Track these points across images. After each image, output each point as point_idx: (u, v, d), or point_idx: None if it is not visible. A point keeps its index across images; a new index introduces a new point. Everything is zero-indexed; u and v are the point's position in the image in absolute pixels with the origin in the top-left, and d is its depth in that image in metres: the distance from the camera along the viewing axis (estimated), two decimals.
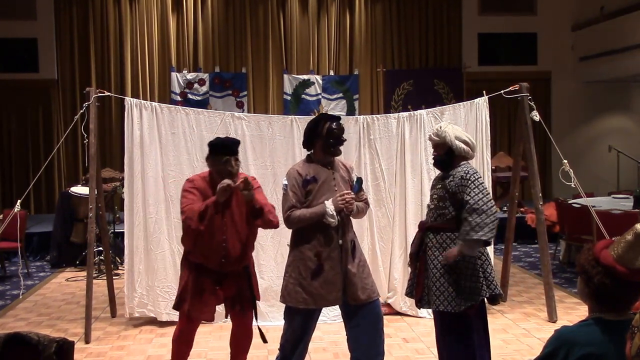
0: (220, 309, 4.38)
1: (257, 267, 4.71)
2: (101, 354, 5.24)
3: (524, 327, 5.78)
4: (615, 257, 2.30)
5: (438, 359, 4.16)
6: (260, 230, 4.37)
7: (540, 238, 6.09)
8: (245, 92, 12.26)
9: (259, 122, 6.14)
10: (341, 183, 4.06)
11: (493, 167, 8.25)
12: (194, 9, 12.30)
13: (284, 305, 4.07)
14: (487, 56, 12.92)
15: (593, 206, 6.78)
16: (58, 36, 12.07)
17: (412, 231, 4.54)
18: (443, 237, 3.92)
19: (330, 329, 5.63)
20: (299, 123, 6.01)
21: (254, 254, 4.43)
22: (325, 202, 3.93)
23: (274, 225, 4.17)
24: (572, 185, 5.90)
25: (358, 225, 5.43)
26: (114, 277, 6.59)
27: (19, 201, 5.90)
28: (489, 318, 4.23)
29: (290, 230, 4.10)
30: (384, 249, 6.20)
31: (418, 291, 4.02)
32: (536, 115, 5.95)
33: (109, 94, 6.46)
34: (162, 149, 5.98)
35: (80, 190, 8.45)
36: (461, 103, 6.49)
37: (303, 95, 12.29)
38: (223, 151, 4.08)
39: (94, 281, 6.15)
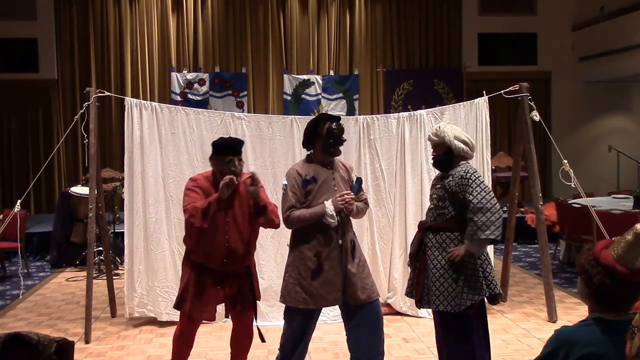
0: (220, 308, 4.38)
1: (257, 267, 4.71)
2: (101, 354, 5.24)
3: (524, 327, 5.78)
4: (615, 257, 2.30)
5: (438, 358, 4.16)
6: (260, 230, 4.37)
7: (540, 238, 6.08)
8: (245, 92, 12.26)
9: (259, 122, 6.14)
10: (341, 183, 4.06)
11: (493, 167, 8.24)
12: (194, 9, 12.30)
13: (284, 305, 4.08)
14: (487, 56, 12.92)
15: (593, 206, 6.78)
16: (58, 36, 12.07)
17: (412, 231, 4.54)
18: (443, 237, 3.92)
19: (330, 329, 5.62)
20: (299, 123, 6.01)
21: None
22: (325, 202, 3.93)
23: (275, 224, 4.18)
24: (572, 185, 5.90)
25: (358, 225, 5.43)
26: (114, 277, 6.59)
27: (19, 201, 5.90)
28: (489, 318, 4.23)
29: (290, 230, 4.10)
30: (384, 249, 6.20)
31: (418, 291, 4.02)
32: (536, 115, 5.95)
33: (109, 94, 6.46)
34: (162, 149, 5.98)
35: (80, 190, 8.45)
36: (461, 103, 6.49)
37: (303, 95, 12.29)
38: (226, 151, 4.09)
39: (94, 281, 6.15)
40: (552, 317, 5.90)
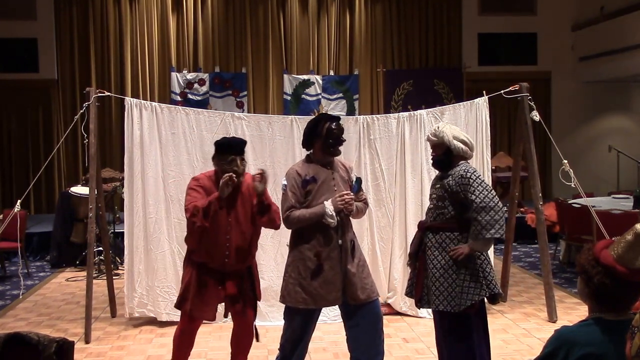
0: (220, 308, 4.38)
1: (258, 267, 4.71)
2: (101, 354, 5.24)
3: (524, 327, 5.78)
4: (615, 257, 2.30)
5: (438, 358, 4.16)
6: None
7: (540, 238, 6.08)
8: (245, 92, 12.26)
9: (259, 122, 6.14)
10: (340, 183, 4.06)
11: (493, 167, 8.25)
12: (194, 9, 12.30)
13: (283, 305, 4.08)
14: (487, 56, 12.91)
15: (593, 206, 6.78)
16: (58, 36, 12.07)
17: (412, 231, 4.54)
18: (442, 237, 3.92)
19: (330, 329, 5.62)
20: (299, 123, 6.01)
21: None
22: (325, 202, 3.93)
23: (276, 224, 4.18)
24: (572, 185, 5.89)
25: (358, 225, 5.43)
26: (114, 277, 6.59)
27: (19, 201, 5.90)
28: (489, 318, 4.22)
29: (290, 230, 4.10)
30: (384, 249, 6.20)
31: (417, 291, 4.02)
32: (536, 115, 5.95)
33: (109, 94, 6.46)
34: (162, 149, 5.98)
35: (80, 190, 8.45)
36: (461, 103, 6.49)
37: (303, 95, 12.29)
38: (229, 150, 4.09)
39: (94, 281, 6.15)
40: (552, 317, 5.90)
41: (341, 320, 4.16)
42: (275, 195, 5.65)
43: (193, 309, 4.15)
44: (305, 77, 12.35)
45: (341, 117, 4.24)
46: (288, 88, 12.31)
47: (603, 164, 12.35)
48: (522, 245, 9.62)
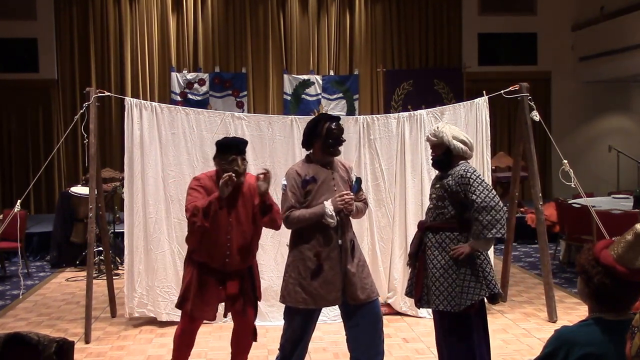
0: (220, 308, 4.38)
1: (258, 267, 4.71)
2: (101, 354, 5.24)
3: (524, 327, 5.78)
4: (615, 257, 2.30)
5: (438, 358, 4.16)
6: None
7: (540, 238, 6.08)
8: (245, 92, 12.26)
9: (259, 122, 6.14)
10: (340, 183, 4.06)
11: (493, 167, 8.25)
12: (194, 9, 12.30)
13: (283, 305, 4.08)
14: (487, 56, 12.91)
15: (593, 206, 6.78)
16: (58, 36, 12.07)
17: (412, 231, 4.54)
18: (442, 237, 3.92)
19: (330, 329, 5.62)
20: (299, 123, 6.01)
21: None
22: (325, 202, 3.93)
23: (277, 225, 4.17)
24: (572, 185, 5.89)
25: (358, 225, 5.43)
26: (114, 277, 6.59)
27: (19, 201, 5.90)
28: (489, 318, 4.22)
29: (290, 230, 4.10)
30: (384, 249, 6.20)
31: (417, 291, 4.02)
32: (536, 115, 5.95)
33: (109, 94, 6.46)
34: (162, 149, 5.98)
35: (80, 190, 8.45)
36: (461, 103, 6.49)
37: (303, 95, 12.29)
38: (230, 150, 4.09)
39: (94, 281, 6.15)
40: (552, 317, 5.90)
41: (341, 320, 4.16)
42: (275, 195, 5.64)
43: (194, 309, 4.15)
44: (305, 77, 12.35)
45: (341, 117, 4.24)
46: (288, 88, 12.31)
47: (603, 164, 12.35)
48: (522, 245, 9.62)
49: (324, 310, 4.70)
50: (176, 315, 5.56)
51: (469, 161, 4.05)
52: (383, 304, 5.60)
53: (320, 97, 12.30)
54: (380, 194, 6.19)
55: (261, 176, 4.01)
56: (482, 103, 6.20)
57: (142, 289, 5.98)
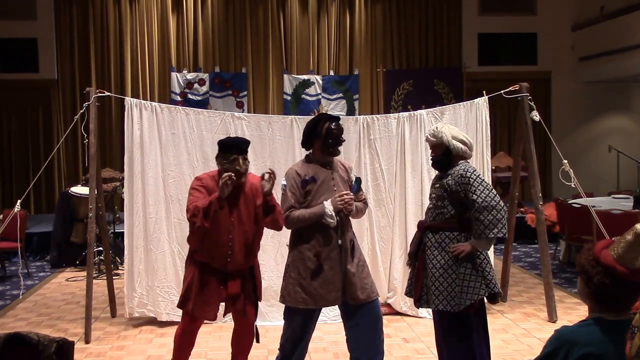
0: (220, 308, 4.38)
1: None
2: (101, 354, 5.24)
3: (524, 327, 5.78)
4: (615, 257, 2.30)
5: (438, 358, 4.16)
6: None
7: (540, 238, 6.08)
8: (245, 92, 12.26)
9: (259, 122, 6.14)
10: (340, 183, 4.06)
11: (493, 167, 8.25)
12: (194, 9, 12.30)
13: (283, 305, 4.08)
14: (487, 56, 12.91)
15: (593, 206, 6.78)
16: (58, 36, 12.07)
17: (412, 231, 4.54)
18: (442, 237, 3.92)
19: (330, 329, 5.62)
20: (299, 123, 6.01)
21: None
22: (324, 202, 3.93)
23: (279, 226, 4.15)
24: (572, 185, 5.89)
25: (358, 225, 5.43)
26: (114, 277, 6.59)
27: (19, 201, 5.89)
28: (489, 318, 4.23)
29: (290, 231, 4.10)
30: (384, 249, 6.20)
31: (416, 290, 4.02)
32: (536, 115, 5.95)
33: (109, 94, 6.46)
34: (162, 149, 5.98)
35: (80, 190, 8.45)
36: (461, 103, 6.49)
37: (303, 95, 12.29)
38: (231, 149, 4.09)
39: (94, 281, 6.15)
40: (552, 317, 5.90)
41: (341, 320, 4.16)
42: (275, 195, 5.65)
43: (195, 309, 4.14)
44: (305, 77, 12.35)
45: (341, 117, 4.24)
46: (288, 88, 12.31)
47: (603, 164, 12.35)
48: (522, 245, 9.62)
49: (324, 310, 4.70)
50: (176, 315, 5.57)
51: (468, 161, 4.05)
52: (383, 304, 5.60)
53: (320, 97, 12.30)
54: (380, 194, 6.19)
55: (266, 175, 4.00)
56: (482, 103, 6.20)
57: (142, 289, 5.98)
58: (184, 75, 12.03)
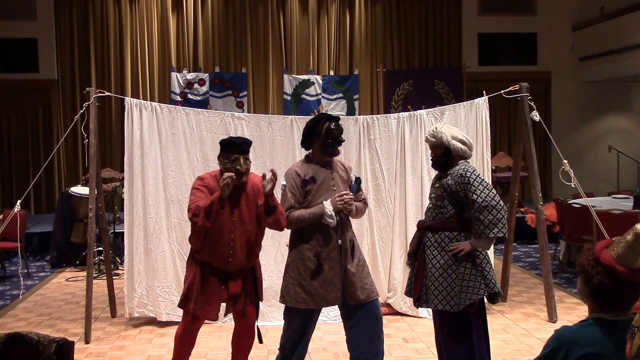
0: (221, 308, 4.38)
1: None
2: (101, 354, 5.24)
3: (524, 327, 5.78)
4: (615, 257, 2.30)
5: (438, 358, 4.16)
6: None
7: (540, 238, 6.08)
8: (245, 92, 12.26)
9: (259, 122, 6.13)
10: (340, 183, 4.06)
11: (493, 167, 8.26)
12: (194, 9, 12.30)
13: (283, 305, 4.08)
14: (487, 56, 12.92)
15: (593, 206, 6.77)
16: (58, 36, 12.07)
17: (412, 231, 4.54)
18: (441, 237, 3.92)
19: (330, 329, 5.63)
20: (299, 123, 6.01)
21: None
22: (324, 202, 3.93)
23: (281, 226, 4.13)
24: (572, 185, 5.89)
25: (358, 225, 5.43)
26: (114, 277, 6.59)
27: (19, 201, 5.89)
28: (489, 318, 4.23)
29: (290, 231, 4.10)
30: (384, 249, 6.20)
31: (416, 290, 4.02)
32: (536, 115, 5.95)
33: (109, 94, 6.46)
34: (162, 149, 5.98)
35: (80, 190, 8.45)
36: (461, 103, 6.49)
37: (303, 95, 12.29)
38: (232, 149, 4.09)
39: (94, 281, 6.15)
40: (552, 317, 5.90)
41: (341, 320, 4.16)
42: (275, 195, 5.65)
43: (196, 309, 4.14)
44: (305, 77, 12.35)
45: (341, 117, 4.24)
46: (288, 88, 12.31)
47: (603, 164, 12.35)
48: (522, 245, 9.62)
49: (324, 310, 4.70)
50: (176, 315, 5.57)
51: (468, 161, 4.05)
52: (383, 304, 5.60)
53: (320, 97, 12.30)
54: (380, 194, 6.19)
55: (267, 175, 3.99)
56: (482, 103, 6.19)
57: (142, 289, 5.98)
58: (184, 75, 12.03)
